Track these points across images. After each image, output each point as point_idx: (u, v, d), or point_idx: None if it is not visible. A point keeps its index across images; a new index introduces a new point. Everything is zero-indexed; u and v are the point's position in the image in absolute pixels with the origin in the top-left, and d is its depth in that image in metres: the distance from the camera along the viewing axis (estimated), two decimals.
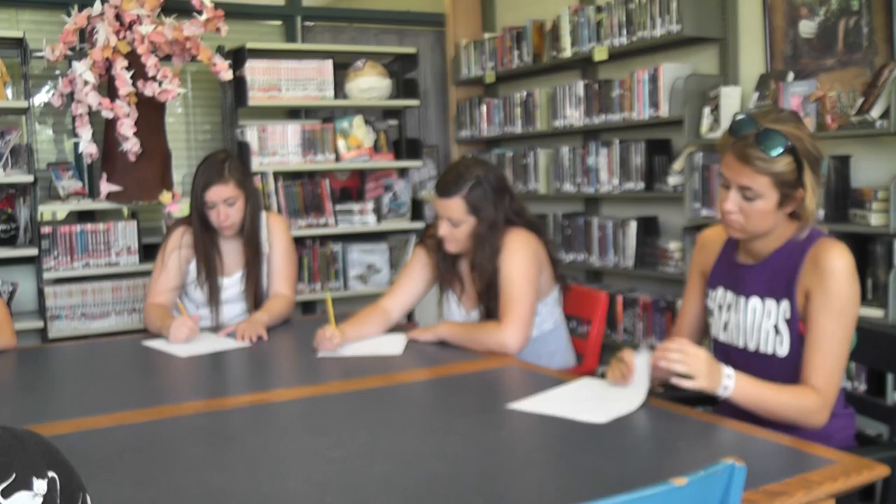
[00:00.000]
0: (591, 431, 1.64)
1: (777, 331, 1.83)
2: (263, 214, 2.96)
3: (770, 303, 1.84)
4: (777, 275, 1.83)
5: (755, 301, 1.86)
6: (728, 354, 1.92)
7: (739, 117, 1.75)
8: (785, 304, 1.81)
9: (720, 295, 1.95)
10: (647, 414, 1.75)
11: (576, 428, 1.67)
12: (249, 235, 2.86)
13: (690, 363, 1.69)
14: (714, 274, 1.99)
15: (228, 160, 2.81)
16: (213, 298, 2.87)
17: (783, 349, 1.82)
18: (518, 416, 1.91)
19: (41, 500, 0.76)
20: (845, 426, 1.90)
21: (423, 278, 2.66)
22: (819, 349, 1.75)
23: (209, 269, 2.86)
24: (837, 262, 1.76)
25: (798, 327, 1.81)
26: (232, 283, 2.90)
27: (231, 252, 2.90)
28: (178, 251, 2.87)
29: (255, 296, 2.89)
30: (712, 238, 2.04)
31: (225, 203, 2.77)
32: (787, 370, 1.81)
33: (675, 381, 1.73)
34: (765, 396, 1.73)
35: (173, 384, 2.29)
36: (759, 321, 1.86)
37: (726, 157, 1.77)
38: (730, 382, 1.71)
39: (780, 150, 1.68)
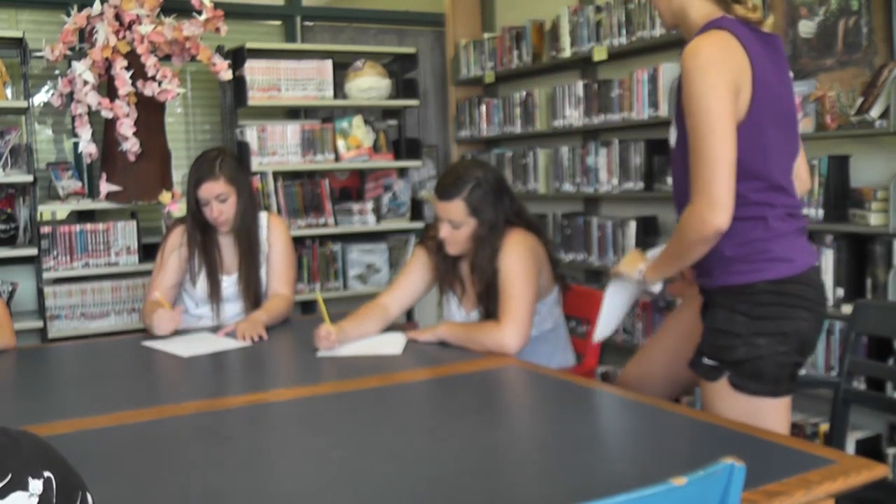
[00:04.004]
0: (591, 431, 1.64)
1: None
2: (264, 215, 2.97)
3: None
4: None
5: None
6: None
7: None
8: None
9: None
10: (648, 414, 1.75)
11: (576, 428, 1.68)
12: (240, 231, 2.86)
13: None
14: None
15: (220, 157, 2.83)
16: (214, 295, 2.87)
17: (672, 140, 1.89)
18: (518, 415, 1.91)
19: (37, 500, 0.76)
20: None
21: (422, 279, 2.67)
22: (693, 166, 1.73)
23: (209, 267, 2.86)
24: (686, 58, 1.72)
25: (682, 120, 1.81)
26: (231, 282, 2.90)
27: (230, 250, 2.90)
28: (178, 250, 2.88)
29: (254, 294, 2.89)
30: None
31: (217, 199, 2.79)
32: (679, 159, 1.84)
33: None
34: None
35: (173, 384, 2.29)
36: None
37: None
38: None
39: None
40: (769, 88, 1.77)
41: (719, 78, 1.70)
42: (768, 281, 1.77)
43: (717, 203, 1.69)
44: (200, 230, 2.87)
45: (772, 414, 1.79)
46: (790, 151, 1.86)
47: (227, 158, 2.85)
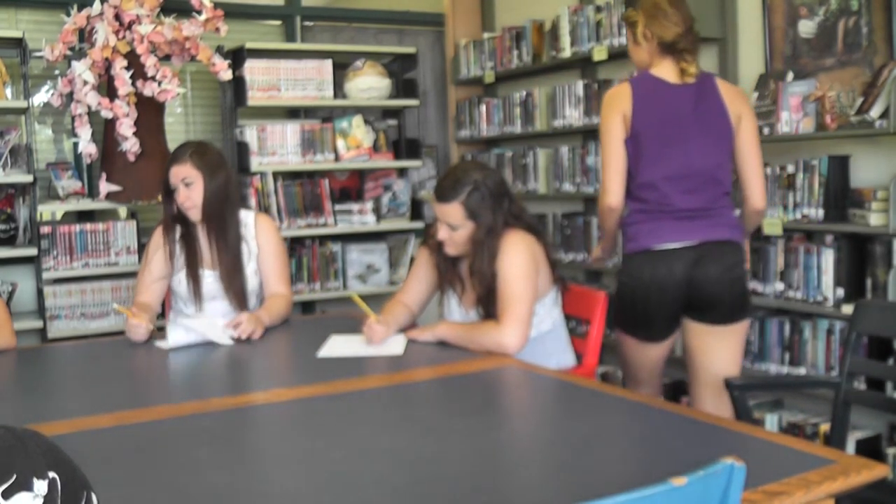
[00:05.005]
0: (591, 431, 1.64)
1: None
2: (251, 214, 2.93)
3: None
4: None
5: None
6: None
7: None
8: None
9: None
10: (648, 414, 1.75)
11: (575, 428, 1.68)
12: (209, 220, 2.81)
13: None
14: None
15: (195, 146, 2.83)
16: (196, 290, 2.83)
17: None
18: (518, 415, 1.91)
19: (42, 500, 0.76)
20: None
21: (429, 278, 2.69)
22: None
23: (189, 259, 2.84)
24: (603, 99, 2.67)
25: None
26: (214, 277, 2.86)
27: (207, 244, 2.88)
28: (162, 248, 2.87)
29: (236, 290, 2.83)
30: None
31: (183, 183, 2.77)
32: None
33: None
34: None
35: (173, 384, 2.30)
36: None
37: None
38: None
39: None
40: (652, 115, 2.54)
41: (610, 111, 2.59)
42: (625, 253, 2.64)
43: (606, 190, 2.61)
44: (179, 223, 2.85)
45: (627, 347, 2.70)
46: (678, 164, 2.54)
47: (202, 148, 2.84)
